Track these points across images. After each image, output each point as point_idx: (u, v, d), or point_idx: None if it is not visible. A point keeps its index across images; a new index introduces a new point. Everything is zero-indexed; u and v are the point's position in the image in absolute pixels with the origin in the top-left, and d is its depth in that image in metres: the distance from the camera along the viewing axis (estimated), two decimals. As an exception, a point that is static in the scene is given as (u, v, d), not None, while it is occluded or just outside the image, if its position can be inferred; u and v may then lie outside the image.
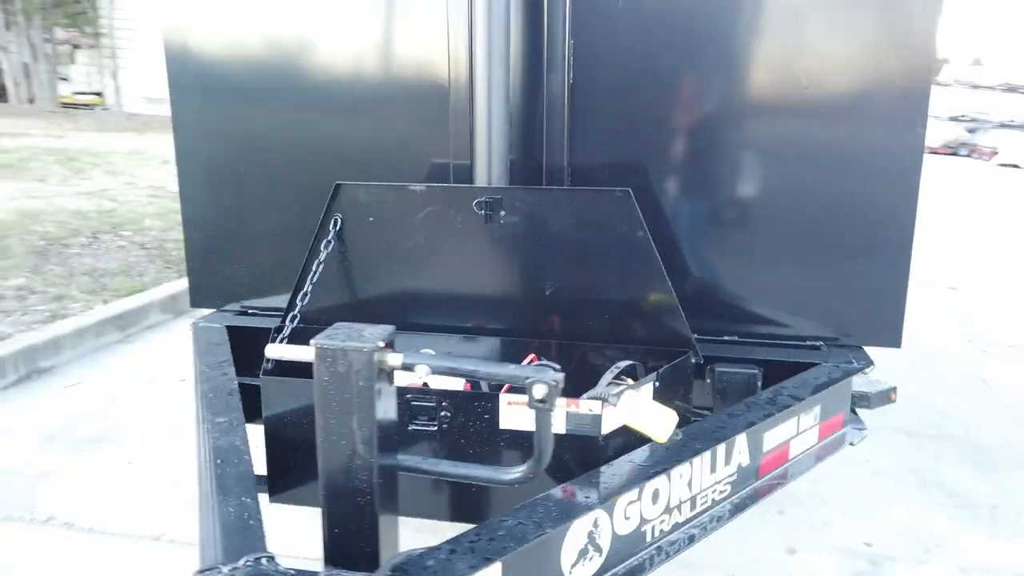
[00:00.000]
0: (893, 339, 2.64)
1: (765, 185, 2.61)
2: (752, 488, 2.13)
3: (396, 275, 2.43)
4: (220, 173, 2.95)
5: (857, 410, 2.70)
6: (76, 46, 27.33)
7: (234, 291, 3.02)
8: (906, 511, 3.15)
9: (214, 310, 3.05)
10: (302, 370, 1.55)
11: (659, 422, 1.74)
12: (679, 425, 2.08)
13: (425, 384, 1.97)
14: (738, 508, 2.06)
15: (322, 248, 2.34)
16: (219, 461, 1.79)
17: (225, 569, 1.29)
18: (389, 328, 1.45)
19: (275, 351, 1.45)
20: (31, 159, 10.57)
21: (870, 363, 2.54)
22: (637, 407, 1.79)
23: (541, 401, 1.37)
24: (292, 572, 1.30)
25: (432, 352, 2.00)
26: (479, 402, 1.91)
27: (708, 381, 2.54)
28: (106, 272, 6.23)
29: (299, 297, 2.29)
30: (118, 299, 5.60)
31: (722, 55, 2.55)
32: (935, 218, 11.73)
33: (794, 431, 2.28)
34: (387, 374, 1.42)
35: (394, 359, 1.41)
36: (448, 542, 1.46)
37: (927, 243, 9.23)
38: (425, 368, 1.40)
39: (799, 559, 2.84)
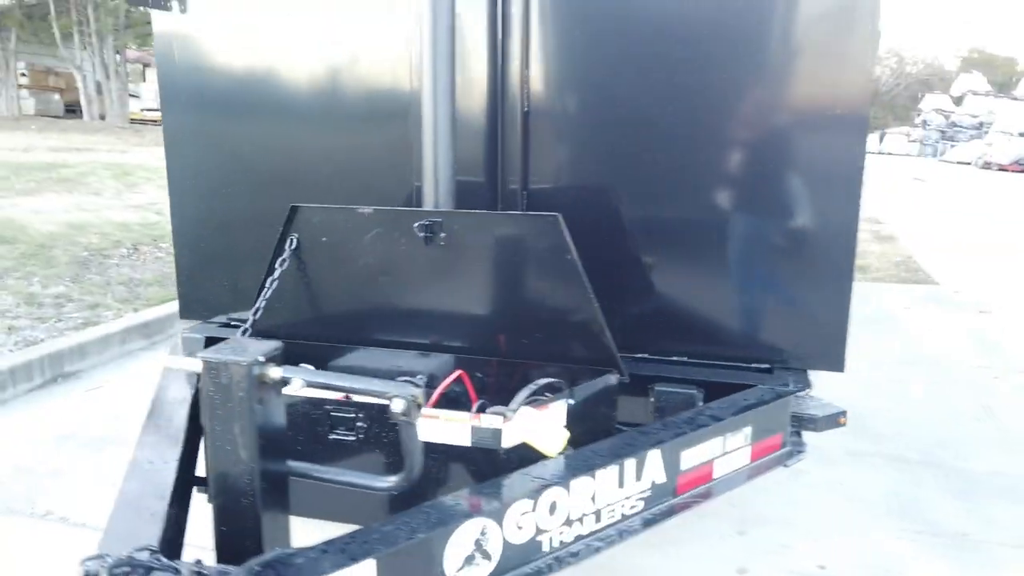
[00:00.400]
0: (836, 363, 2.67)
1: (712, 211, 2.67)
2: (668, 504, 2.19)
3: (347, 293, 2.58)
4: (208, 191, 3.15)
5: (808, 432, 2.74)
6: (146, 65, 28.60)
7: (219, 303, 3.21)
8: (871, 536, 3.14)
9: (200, 321, 3.25)
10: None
11: (548, 438, 1.84)
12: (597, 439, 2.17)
13: (347, 396, 2.10)
14: (650, 523, 2.13)
15: (276, 266, 2.50)
16: (149, 462, 1.95)
17: (109, 559, 1.44)
18: (274, 344, 1.59)
19: (169, 362, 1.60)
20: (90, 173, 11.15)
21: (807, 386, 2.58)
22: (531, 423, 1.89)
23: (402, 415, 1.49)
24: (165, 563, 1.44)
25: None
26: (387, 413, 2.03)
27: (651, 399, 2.62)
28: (141, 282, 6.57)
29: (252, 313, 2.45)
30: (148, 308, 5.91)
31: (672, 88, 2.63)
32: (986, 237, 11.41)
33: (719, 451, 2.33)
34: (270, 386, 1.56)
35: (274, 372, 1.54)
36: (323, 543, 1.58)
37: (971, 263, 8.99)
38: (300, 382, 1.53)
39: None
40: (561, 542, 1.94)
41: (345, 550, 1.56)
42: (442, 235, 2.39)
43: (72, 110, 26.62)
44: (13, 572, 2.90)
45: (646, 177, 2.70)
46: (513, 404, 2.11)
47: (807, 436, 2.68)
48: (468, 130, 2.78)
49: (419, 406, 1.49)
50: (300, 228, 2.51)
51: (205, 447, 1.59)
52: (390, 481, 1.64)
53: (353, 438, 2.07)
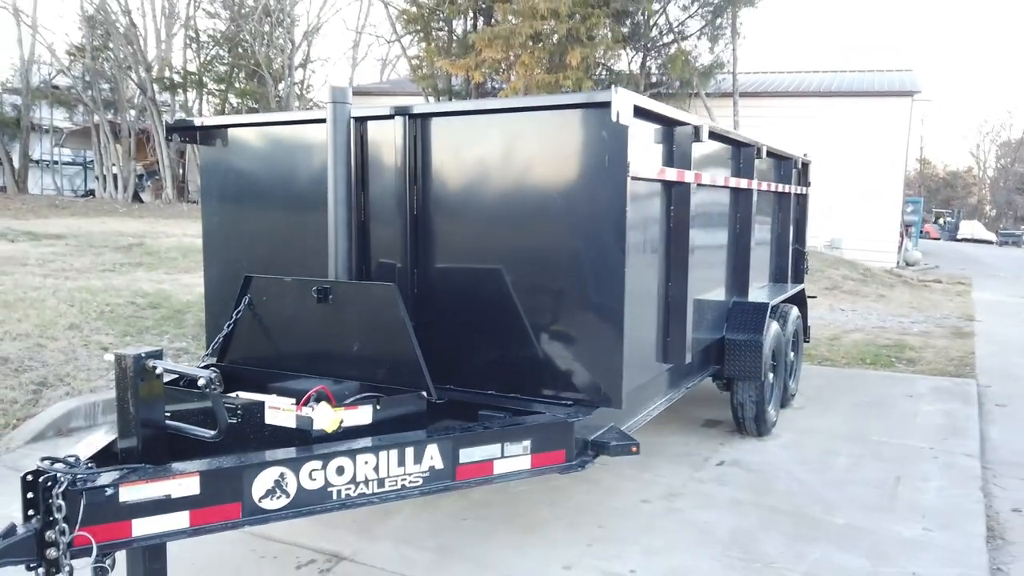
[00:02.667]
0: (616, 403, 3.54)
1: (526, 297, 3.70)
2: (444, 484, 3.16)
3: (278, 336, 3.80)
4: (228, 262, 4.53)
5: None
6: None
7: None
8: (691, 556, 3.84)
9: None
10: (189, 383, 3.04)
11: (324, 422, 2.92)
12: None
13: (237, 395, 3.29)
14: (426, 493, 3.11)
15: (234, 316, 3.77)
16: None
17: (47, 459, 2.65)
18: (159, 349, 2.81)
19: (108, 357, 2.85)
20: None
21: (585, 415, 3.46)
22: (322, 413, 2.97)
23: (204, 387, 2.65)
24: (76, 462, 2.63)
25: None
26: (255, 406, 3.18)
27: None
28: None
29: (211, 347, 3.72)
30: (239, 362, 7.46)
31: (506, 208, 3.74)
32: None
33: (498, 454, 3.27)
34: (149, 371, 2.76)
35: (150, 363, 2.75)
36: (170, 464, 2.73)
37: None
38: (160, 369, 2.73)
39: (569, 572, 3.68)
40: (347, 495, 2.97)
41: (180, 468, 2.71)
42: (330, 297, 3.57)
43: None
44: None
45: (488, 267, 3.78)
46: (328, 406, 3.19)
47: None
48: (384, 226, 3.99)
49: (218, 383, 2.64)
50: (251, 291, 3.79)
51: (117, 405, 2.81)
52: (211, 433, 2.79)
53: (235, 420, 3.22)
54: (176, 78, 25.76)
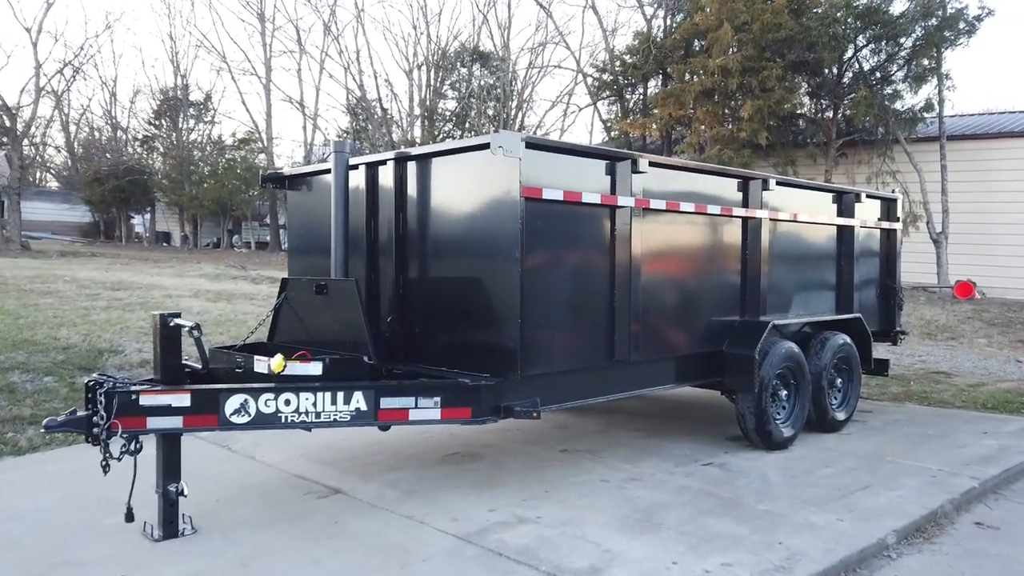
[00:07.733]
0: (514, 377, 4.46)
1: (461, 291, 4.79)
2: (368, 421, 4.32)
3: (297, 320, 5.22)
4: (299, 274, 6.09)
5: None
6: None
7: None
8: (597, 514, 4.55)
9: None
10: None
11: (275, 366, 4.23)
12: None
13: (190, 331, 4.72)
14: (352, 425, 4.29)
15: (275, 308, 5.26)
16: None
17: (96, 375, 4.24)
18: (178, 312, 4.31)
19: (153, 319, 4.41)
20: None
21: (485, 381, 4.42)
22: (275, 362, 4.29)
23: (190, 334, 4.09)
24: (140, 382, 4.19)
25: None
26: (249, 360, 4.58)
27: (422, 387, 4.70)
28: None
29: (254, 330, 5.23)
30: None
31: (449, 220, 4.86)
32: None
33: (412, 404, 4.36)
34: (169, 325, 4.28)
35: (180, 321, 4.26)
36: (169, 385, 4.19)
37: None
38: (185, 329, 4.22)
39: (492, 513, 4.58)
40: (291, 420, 4.24)
41: (179, 387, 4.15)
42: (325, 290, 4.94)
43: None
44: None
45: (440, 275, 4.93)
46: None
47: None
48: (384, 243, 5.31)
49: (200, 332, 4.06)
50: (287, 288, 5.27)
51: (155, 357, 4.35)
52: (200, 366, 4.21)
53: (240, 371, 4.64)
54: (414, 151, 29.77)
